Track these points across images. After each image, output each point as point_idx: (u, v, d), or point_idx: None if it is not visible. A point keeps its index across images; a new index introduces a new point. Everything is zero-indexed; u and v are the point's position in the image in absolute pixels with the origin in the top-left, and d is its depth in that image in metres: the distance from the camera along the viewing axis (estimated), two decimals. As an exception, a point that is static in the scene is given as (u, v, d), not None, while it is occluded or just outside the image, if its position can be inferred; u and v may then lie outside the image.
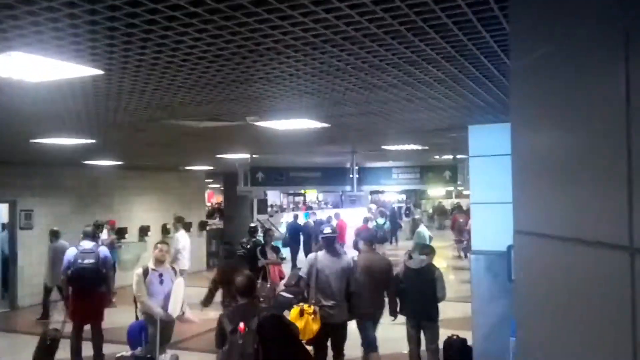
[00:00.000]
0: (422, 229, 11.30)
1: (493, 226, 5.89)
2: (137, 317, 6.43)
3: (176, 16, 2.23)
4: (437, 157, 10.46)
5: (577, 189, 1.66)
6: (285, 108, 4.67)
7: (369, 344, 6.38)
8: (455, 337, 6.60)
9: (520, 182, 2.11)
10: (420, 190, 32.67)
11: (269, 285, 8.36)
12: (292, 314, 5.79)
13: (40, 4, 2.06)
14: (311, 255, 6.36)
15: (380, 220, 15.03)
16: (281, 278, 8.73)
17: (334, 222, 14.44)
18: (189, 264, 10.79)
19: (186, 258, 10.54)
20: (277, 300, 7.34)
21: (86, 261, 6.89)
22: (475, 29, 2.54)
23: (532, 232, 1.95)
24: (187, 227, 14.71)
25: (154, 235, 13.95)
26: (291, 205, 35.18)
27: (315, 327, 5.69)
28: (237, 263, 7.61)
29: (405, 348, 6.65)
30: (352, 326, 6.35)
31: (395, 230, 18.32)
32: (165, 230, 14.81)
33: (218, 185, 32.19)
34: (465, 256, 13.17)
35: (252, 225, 10.55)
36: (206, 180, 24.31)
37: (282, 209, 18.03)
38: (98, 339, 7.04)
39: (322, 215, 16.65)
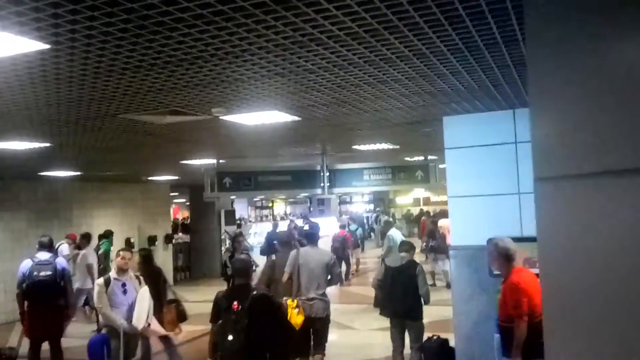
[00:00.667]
0: (394, 232, 11.05)
1: (472, 220, 5.71)
2: (99, 330, 5.99)
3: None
4: (408, 158, 10.30)
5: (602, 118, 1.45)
6: (252, 97, 4.39)
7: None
8: (435, 337, 6.37)
9: (540, 124, 1.86)
10: (388, 199, 32.70)
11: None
12: None
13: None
14: (294, 252, 6.49)
15: (353, 227, 15.55)
16: (252, 286, 8.41)
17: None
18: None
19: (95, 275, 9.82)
20: None
21: (42, 273, 6.42)
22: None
23: (557, 175, 1.70)
24: (152, 242, 14.21)
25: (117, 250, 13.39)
26: (259, 218, 34.79)
27: (299, 320, 5.83)
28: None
29: (380, 354, 6.41)
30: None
31: (363, 237, 18.81)
32: (129, 244, 14.25)
33: (184, 200, 31.66)
34: (426, 257, 13.02)
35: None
36: (171, 194, 23.80)
37: (249, 222, 17.71)
38: (57, 357, 6.57)
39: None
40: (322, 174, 8.99)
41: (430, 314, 8.35)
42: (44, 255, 6.63)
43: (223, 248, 13.32)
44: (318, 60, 3.36)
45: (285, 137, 6.96)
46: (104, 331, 5.73)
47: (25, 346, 6.52)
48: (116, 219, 14.01)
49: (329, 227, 17.13)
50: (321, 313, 6.13)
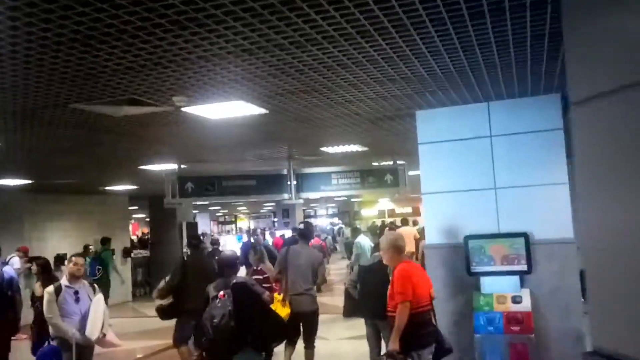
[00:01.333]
0: (362, 239, 10.79)
1: (447, 217, 5.50)
2: (49, 343, 5.50)
3: None
4: (376, 163, 10.07)
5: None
6: (216, 83, 4.08)
7: None
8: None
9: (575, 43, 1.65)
10: (353, 211, 32.52)
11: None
12: None
13: None
14: (284, 249, 6.79)
15: (323, 236, 15.58)
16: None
17: (271, 241, 13.91)
18: None
19: None
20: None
21: (-14, 284, 5.91)
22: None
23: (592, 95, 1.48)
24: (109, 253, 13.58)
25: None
26: (221, 233, 34.12)
27: (283, 313, 5.96)
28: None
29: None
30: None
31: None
32: (86, 251, 13.60)
33: (144, 215, 30.69)
34: None
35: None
36: (131, 208, 23.01)
37: (211, 236, 17.21)
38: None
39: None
40: (288, 178, 8.69)
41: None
42: (-13, 265, 6.11)
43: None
44: (290, 32, 3.09)
45: (251, 136, 6.65)
46: (54, 343, 5.25)
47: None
48: (71, 232, 13.36)
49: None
50: (309, 307, 6.37)
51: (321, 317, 6.64)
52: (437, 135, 5.52)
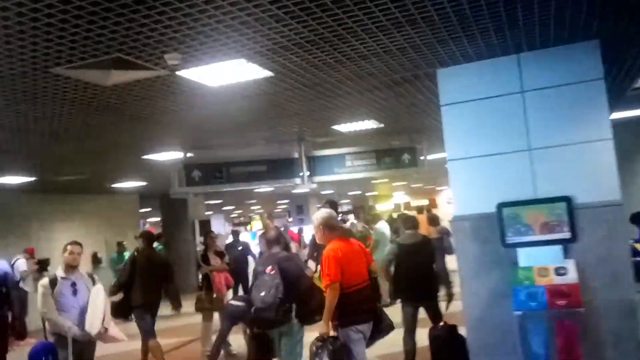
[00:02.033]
0: (382, 225, 10.25)
1: (475, 184, 4.96)
2: (45, 338, 5.04)
3: None
4: (394, 143, 9.50)
5: None
6: (212, 35, 3.59)
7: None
8: (441, 325, 5.57)
9: None
10: (368, 206, 31.98)
11: (215, 296, 7.12)
12: None
13: None
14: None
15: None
16: (228, 286, 7.51)
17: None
18: None
19: None
20: (227, 310, 6.20)
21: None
22: None
23: None
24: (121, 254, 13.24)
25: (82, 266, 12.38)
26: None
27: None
28: None
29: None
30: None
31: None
32: (96, 260, 13.25)
33: (158, 219, 30.31)
34: None
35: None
36: (143, 211, 22.66)
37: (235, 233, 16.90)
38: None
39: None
40: (300, 161, 8.19)
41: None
42: (-18, 260, 5.68)
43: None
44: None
45: (257, 111, 6.15)
46: (51, 339, 4.80)
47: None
48: (79, 232, 12.96)
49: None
50: None
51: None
52: (462, 94, 4.97)
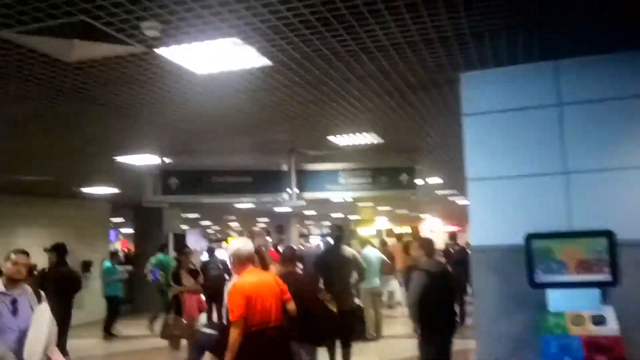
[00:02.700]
0: (369, 251, 9.43)
1: (500, 210, 4.24)
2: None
3: None
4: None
5: None
6: (202, 4, 2.85)
7: None
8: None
9: None
10: (349, 230, 31.20)
11: (184, 321, 6.25)
12: None
13: None
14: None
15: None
16: (200, 310, 6.65)
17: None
18: None
19: None
20: (196, 338, 5.41)
21: None
22: None
23: None
24: (87, 267, 12.19)
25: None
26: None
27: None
28: None
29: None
30: None
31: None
32: (85, 268, 12.25)
33: (133, 231, 28.93)
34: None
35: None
36: (117, 222, 21.56)
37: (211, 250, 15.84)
38: None
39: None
40: (289, 175, 7.43)
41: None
42: None
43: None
44: None
45: (247, 113, 5.39)
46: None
47: None
48: (42, 240, 11.94)
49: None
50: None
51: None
52: (489, 103, 4.28)
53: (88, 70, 3.97)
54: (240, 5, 2.97)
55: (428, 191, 8.95)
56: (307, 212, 21.54)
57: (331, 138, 6.80)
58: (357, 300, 7.22)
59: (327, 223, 32.99)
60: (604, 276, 3.87)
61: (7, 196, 11.02)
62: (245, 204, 16.02)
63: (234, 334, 4.02)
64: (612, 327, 3.77)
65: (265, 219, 26.22)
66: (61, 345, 6.11)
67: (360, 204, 18.59)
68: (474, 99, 4.33)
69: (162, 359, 7.40)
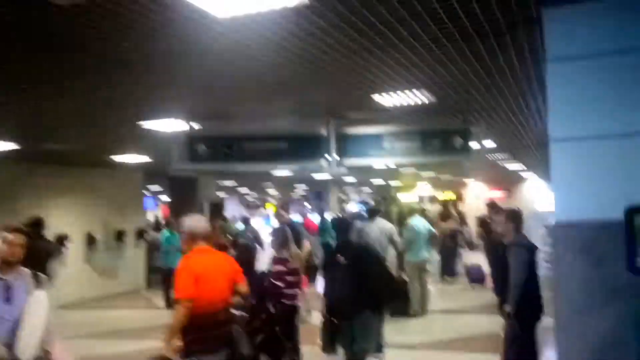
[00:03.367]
0: (417, 221, 8.67)
1: (592, 177, 3.42)
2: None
3: None
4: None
5: None
6: None
7: None
8: None
9: None
10: (390, 197, 30.41)
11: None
12: None
13: None
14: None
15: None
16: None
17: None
18: None
19: None
20: None
21: None
22: None
23: None
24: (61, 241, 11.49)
25: (75, 247, 11.07)
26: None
27: None
28: None
29: None
30: None
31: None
32: (91, 240, 11.93)
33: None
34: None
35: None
36: (155, 190, 21.36)
37: (247, 221, 15.22)
38: None
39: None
40: (329, 140, 6.68)
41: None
42: None
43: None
44: None
45: (278, 65, 4.64)
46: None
47: None
48: (75, 210, 11.64)
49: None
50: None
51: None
52: (581, 45, 3.41)
53: (83, 16, 3.30)
54: None
55: (481, 156, 8.03)
56: (346, 179, 20.80)
57: (376, 97, 5.99)
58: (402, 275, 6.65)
59: (368, 190, 32.24)
60: None
61: (40, 166, 10.66)
62: (282, 171, 15.42)
63: (178, 314, 3.80)
64: None
65: (304, 186, 25.65)
66: None
67: (402, 170, 17.70)
68: (561, 39, 3.45)
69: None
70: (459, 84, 5.52)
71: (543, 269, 4.29)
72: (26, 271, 3.65)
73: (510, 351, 4.63)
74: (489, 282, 10.25)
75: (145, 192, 23.03)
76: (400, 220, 18.32)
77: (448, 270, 12.41)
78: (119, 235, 12.50)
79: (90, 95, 5.54)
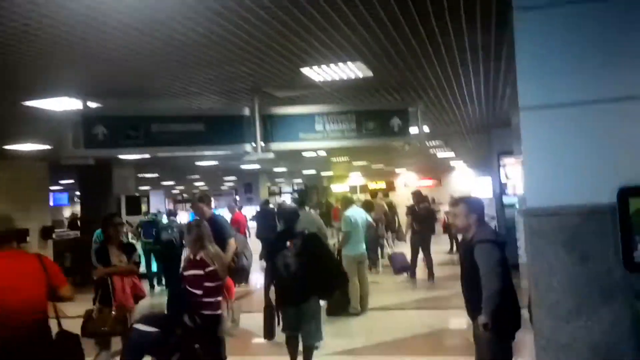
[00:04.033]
0: (354, 211, 7.96)
1: (574, 154, 2.79)
2: None
3: None
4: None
5: None
6: None
7: None
8: None
9: None
10: (322, 187, 29.84)
11: (113, 313, 4.72)
12: None
13: None
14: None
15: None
16: (139, 296, 5.12)
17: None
18: None
19: None
20: (131, 337, 3.98)
21: None
22: None
23: None
24: (22, 236, 10.43)
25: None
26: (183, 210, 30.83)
27: None
28: None
29: None
30: None
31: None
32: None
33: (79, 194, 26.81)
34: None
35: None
36: (65, 182, 19.69)
37: (172, 213, 14.11)
38: None
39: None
40: (253, 121, 5.82)
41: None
42: None
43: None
44: None
45: (192, 31, 3.74)
46: None
47: None
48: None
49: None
50: None
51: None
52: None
53: None
54: None
55: (420, 141, 7.34)
56: (277, 170, 19.94)
57: (306, 71, 5.20)
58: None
59: (299, 181, 31.51)
60: None
61: None
62: (206, 160, 14.37)
63: None
64: None
65: (233, 177, 24.55)
66: None
67: (334, 159, 17.04)
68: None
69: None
70: (398, 54, 4.82)
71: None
72: None
73: None
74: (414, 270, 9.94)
75: (57, 186, 21.41)
76: (328, 212, 17.87)
77: (370, 261, 11.88)
78: (21, 235, 11.11)
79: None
